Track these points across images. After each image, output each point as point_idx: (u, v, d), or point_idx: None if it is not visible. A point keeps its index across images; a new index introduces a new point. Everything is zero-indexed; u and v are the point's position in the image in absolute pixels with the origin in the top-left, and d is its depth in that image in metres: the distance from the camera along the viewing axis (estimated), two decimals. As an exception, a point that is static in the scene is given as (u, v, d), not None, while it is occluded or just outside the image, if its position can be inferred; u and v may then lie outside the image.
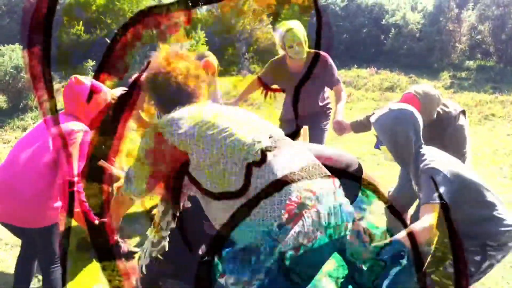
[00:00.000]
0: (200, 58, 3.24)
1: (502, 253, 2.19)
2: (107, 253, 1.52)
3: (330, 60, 3.41)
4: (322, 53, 3.37)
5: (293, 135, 2.35)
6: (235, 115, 1.80)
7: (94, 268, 2.93)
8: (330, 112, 3.64)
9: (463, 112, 2.91)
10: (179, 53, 1.89)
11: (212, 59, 3.36)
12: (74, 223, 2.14)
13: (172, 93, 1.86)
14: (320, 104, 3.58)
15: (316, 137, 3.35)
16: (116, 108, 2.19)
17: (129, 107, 2.35)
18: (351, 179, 2.02)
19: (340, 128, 3.35)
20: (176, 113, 1.78)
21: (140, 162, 1.77)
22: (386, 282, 1.84)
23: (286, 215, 1.57)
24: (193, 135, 1.68)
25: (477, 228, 2.19)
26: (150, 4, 8.08)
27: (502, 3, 10.07)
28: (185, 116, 1.75)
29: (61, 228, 1.94)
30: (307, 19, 10.22)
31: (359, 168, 2.07)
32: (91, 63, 7.53)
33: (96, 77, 2.08)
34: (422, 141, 2.28)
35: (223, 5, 9.23)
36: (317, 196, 1.62)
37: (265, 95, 3.50)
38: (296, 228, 1.56)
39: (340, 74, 4.56)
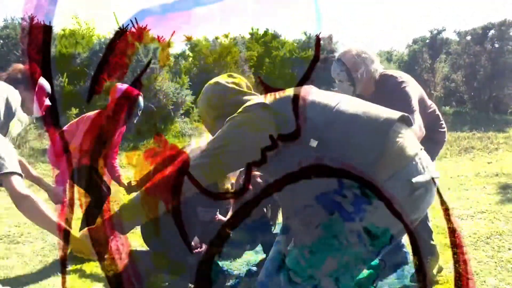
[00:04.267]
0: None
1: None
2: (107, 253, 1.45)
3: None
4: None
5: (294, 135, 2.27)
6: None
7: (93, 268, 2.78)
8: None
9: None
10: None
11: None
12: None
13: None
14: None
15: None
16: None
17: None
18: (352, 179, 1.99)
19: None
20: None
21: None
22: None
23: None
24: None
25: None
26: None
27: (472, 52, 10.58)
28: None
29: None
30: (288, 72, 10.57)
31: None
32: (74, 111, 7.68)
33: (94, 79, 2.01)
34: None
35: (207, 56, 9.46)
36: None
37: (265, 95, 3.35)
38: None
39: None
